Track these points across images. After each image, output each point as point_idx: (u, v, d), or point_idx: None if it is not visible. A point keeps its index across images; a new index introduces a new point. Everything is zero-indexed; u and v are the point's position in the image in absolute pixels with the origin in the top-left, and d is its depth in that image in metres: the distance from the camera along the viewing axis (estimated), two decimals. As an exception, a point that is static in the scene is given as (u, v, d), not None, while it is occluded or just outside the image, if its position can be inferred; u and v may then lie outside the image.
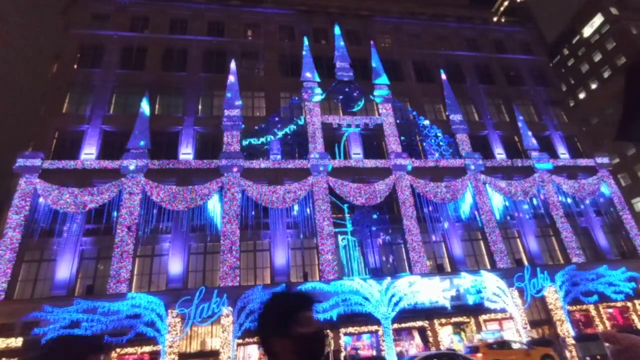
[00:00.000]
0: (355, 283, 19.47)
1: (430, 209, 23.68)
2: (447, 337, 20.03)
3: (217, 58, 27.36)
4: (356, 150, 25.26)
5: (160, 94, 25.03)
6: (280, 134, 24.10)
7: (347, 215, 22.60)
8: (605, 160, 28.08)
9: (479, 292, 20.46)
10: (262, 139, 23.67)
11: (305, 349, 1.47)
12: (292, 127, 24.47)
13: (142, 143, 21.79)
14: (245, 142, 23.36)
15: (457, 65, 31.77)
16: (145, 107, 23.05)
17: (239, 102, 24.22)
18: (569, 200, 26.05)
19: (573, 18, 52.55)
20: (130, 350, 16.96)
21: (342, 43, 28.67)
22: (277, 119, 24.58)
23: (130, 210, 20.10)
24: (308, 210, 22.18)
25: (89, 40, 26.09)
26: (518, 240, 24.67)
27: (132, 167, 20.94)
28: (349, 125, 25.66)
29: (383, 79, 27.59)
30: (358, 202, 22.44)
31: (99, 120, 23.09)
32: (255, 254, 21.21)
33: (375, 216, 22.58)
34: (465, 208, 24.33)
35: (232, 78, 24.99)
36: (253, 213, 21.52)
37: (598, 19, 48.52)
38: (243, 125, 23.60)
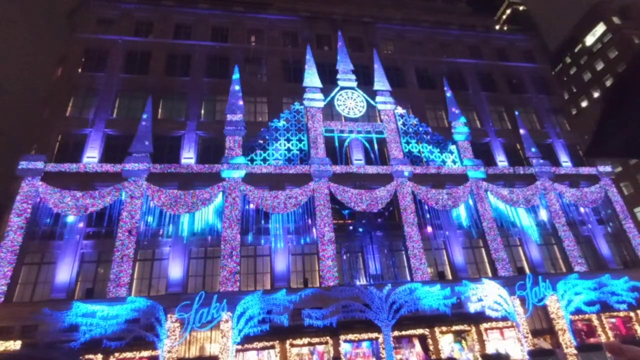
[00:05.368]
0: (356, 289, 19.37)
1: (432, 215, 23.63)
2: (447, 346, 19.84)
3: (221, 63, 27.53)
4: (358, 157, 25.26)
5: (164, 99, 25.17)
6: (282, 139, 24.17)
7: (348, 221, 22.54)
8: (608, 168, 27.99)
9: (480, 300, 20.34)
10: (264, 144, 23.75)
11: None
12: (294, 132, 24.53)
13: (144, 147, 21.86)
14: (247, 147, 23.45)
15: (460, 72, 31.85)
16: (148, 111, 23.16)
17: (241, 107, 24.33)
18: (571, 209, 25.95)
19: (575, 27, 52.68)
20: (128, 354, 16.84)
21: (344, 49, 28.79)
22: (279, 124, 24.66)
23: (132, 214, 20.12)
24: (309, 215, 22.15)
25: (94, 45, 26.34)
26: (520, 248, 24.55)
27: (134, 171, 20.98)
28: (350, 132, 25.71)
29: (385, 86, 27.69)
30: (359, 208, 22.40)
31: (102, 123, 23.21)
32: (255, 259, 21.16)
33: (376, 222, 22.52)
34: (466, 215, 24.26)
35: (235, 85, 25.11)
36: (254, 218, 21.53)
37: (600, 28, 48.64)
38: (245, 131, 23.67)
